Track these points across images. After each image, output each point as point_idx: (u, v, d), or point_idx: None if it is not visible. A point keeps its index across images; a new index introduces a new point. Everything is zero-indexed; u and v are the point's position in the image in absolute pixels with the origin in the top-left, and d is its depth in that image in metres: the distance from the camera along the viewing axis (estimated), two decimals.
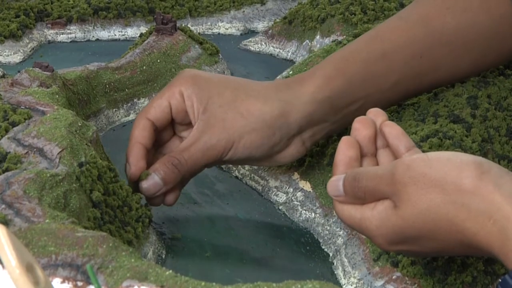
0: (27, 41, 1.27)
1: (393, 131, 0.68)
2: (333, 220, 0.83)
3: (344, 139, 0.68)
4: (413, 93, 0.88)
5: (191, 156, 0.78)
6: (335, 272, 0.78)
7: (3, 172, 0.70)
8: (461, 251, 0.62)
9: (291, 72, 1.06)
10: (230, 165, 0.96)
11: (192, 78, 0.80)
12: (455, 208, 0.58)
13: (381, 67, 0.83)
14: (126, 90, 1.06)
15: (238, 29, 1.39)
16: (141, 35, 1.18)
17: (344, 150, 0.68)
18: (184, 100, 0.80)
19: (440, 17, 0.85)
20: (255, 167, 0.93)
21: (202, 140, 0.78)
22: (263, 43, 1.31)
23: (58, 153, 0.72)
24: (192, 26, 1.35)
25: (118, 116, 1.05)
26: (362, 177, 0.64)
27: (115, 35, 1.33)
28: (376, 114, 0.70)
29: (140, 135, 0.79)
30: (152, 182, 0.78)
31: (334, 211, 0.83)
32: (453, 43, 0.85)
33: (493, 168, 0.59)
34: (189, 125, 0.81)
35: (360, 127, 0.69)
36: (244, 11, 1.42)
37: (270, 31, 1.32)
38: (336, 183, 0.66)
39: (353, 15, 1.21)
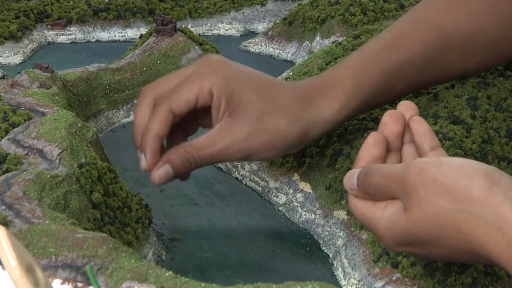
0: (27, 42, 1.27)
1: (420, 128, 0.68)
2: (333, 221, 0.83)
3: (373, 135, 0.68)
4: (415, 91, 0.89)
5: (207, 156, 0.77)
6: (335, 273, 0.78)
7: (3, 173, 0.70)
8: (468, 259, 0.62)
9: (291, 73, 1.06)
10: (230, 166, 0.96)
11: (226, 79, 0.77)
12: (464, 217, 0.58)
13: (396, 76, 0.83)
14: (126, 91, 1.06)
15: (238, 30, 1.39)
16: (141, 36, 1.18)
17: (370, 147, 0.68)
18: (212, 98, 0.77)
19: (452, 21, 0.85)
20: (255, 168, 0.93)
21: (223, 143, 0.77)
22: (263, 44, 1.31)
23: (58, 154, 0.72)
24: (192, 27, 1.35)
25: (118, 117, 1.05)
26: (374, 174, 0.64)
27: (115, 36, 1.33)
28: (407, 108, 0.69)
29: (161, 128, 0.76)
30: (164, 172, 0.76)
31: (334, 212, 0.83)
32: (463, 47, 0.85)
33: (504, 180, 0.58)
34: (205, 114, 0.80)
35: (389, 122, 0.69)
36: (244, 12, 1.42)
37: (270, 32, 1.32)
38: (351, 177, 0.66)
39: (353, 16, 1.21)
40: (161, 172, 0.76)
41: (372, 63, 0.83)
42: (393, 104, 0.87)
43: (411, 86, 0.86)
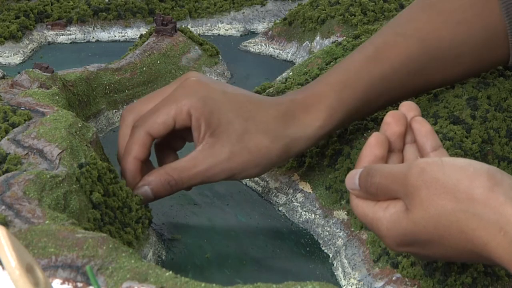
0: (27, 42, 1.27)
1: (422, 128, 0.68)
2: (333, 221, 0.83)
3: (375, 135, 0.68)
4: (400, 101, 0.89)
5: (190, 179, 0.78)
6: (335, 273, 0.78)
7: (3, 173, 0.70)
8: (470, 259, 0.62)
9: (291, 73, 1.06)
10: None
11: (204, 101, 0.77)
12: (466, 217, 0.58)
13: (379, 90, 0.83)
14: (126, 91, 1.06)
15: (238, 30, 1.39)
16: (141, 36, 1.18)
17: (372, 147, 0.68)
18: (191, 120, 0.77)
19: (435, 32, 0.84)
20: None
21: (205, 165, 0.77)
22: (263, 44, 1.31)
23: (58, 154, 0.72)
24: (192, 27, 1.35)
25: (118, 117, 1.05)
26: (376, 174, 0.64)
27: (115, 36, 1.33)
28: (409, 108, 0.69)
29: (140, 150, 0.77)
30: (142, 192, 0.77)
31: (334, 212, 0.83)
32: (446, 57, 0.85)
33: (505, 180, 0.58)
34: (189, 131, 0.80)
35: (392, 122, 0.69)
36: (244, 12, 1.42)
37: (270, 32, 1.32)
38: (353, 177, 0.66)
39: (353, 16, 1.21)
40: (139, 192, 0.77)
41: (355, 77, 0.83)
42: (393, 105, 0.87)
43: (395, 97, 0.85)
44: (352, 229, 0.80)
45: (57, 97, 0.87)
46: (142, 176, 0.78)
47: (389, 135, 0.68)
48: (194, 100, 0.77)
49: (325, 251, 0.82)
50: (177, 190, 0.78)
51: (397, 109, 0.70)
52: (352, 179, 0.66)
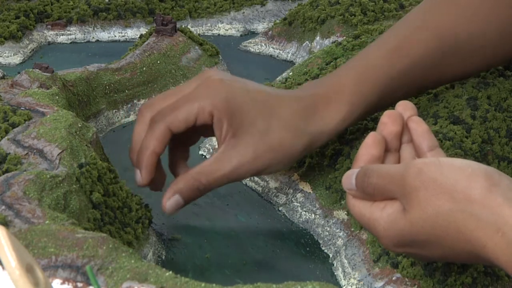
0: (27, 42, 1.27)
1: (419, 128, 0.68)
2: (333, 221, 0.83)
3: (371, 135, 0.68)
4: (415, 95, 0.89)
5: (216, 180, 0.77)
6: (335, 273, 0.78)
7: (3, 173, 0.70)
8: (467, 260, 0.62)
9: (291, 73, 1.06)
10: None
11: (226, 101, 0.77)
12: (464, 217, 0.58)
13: (398, 83, 0.83)
14: (126, 91, 1.06)
15: (238, 30, 1.39)
16: (141, 36, 1.18)
17: (368, 147, 0.68)
18: (212, 119, 0.77)
19: (452, 26, 0.85)
20: None
21: (230, 166, 0.77)
22: (263, 44, 1.31)
23: (58, 154, 0.72)
24: (192, 27, 1.35)
25: (118, 117, 1.05)
26: (373, 174, 0.64)
27: (115, 36, 1.33)
28: (405, 108, 0.69)
29: (158, 145, 0.76)
30: (174, 202, 0.77)
31: (334, 212, 0.83)
32: (462, 52, 0.85)
33: (503, 181, 0.58)
34: (205, 126, 0.80)
35: (388, 122, 0.69)
36: (244, 12, 1.42)
37: (270, 32, 1.32)
38: (350, 177, 0.66)
39: (353, 16, 1.21)
40: (171, 202, 0.77)
41: (375, 71, 0.83)
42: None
43: (411, 91, 0.86)
44: (352, 229, 0.80)
45: (57, 97, 0.87)
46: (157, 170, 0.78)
47: (386, 135, 0.68)
48: (217, 100, 0.77)
49: (325, 251, 0.82)
50: (206, 192, 0.78)
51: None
52: (349, 179, 0.66)
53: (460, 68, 0.87)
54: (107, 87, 1.04)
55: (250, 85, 0.80)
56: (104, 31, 1.33)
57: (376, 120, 0.89)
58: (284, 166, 0.81)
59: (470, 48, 0.86)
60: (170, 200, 0.77)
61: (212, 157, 0.78)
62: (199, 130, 0.80)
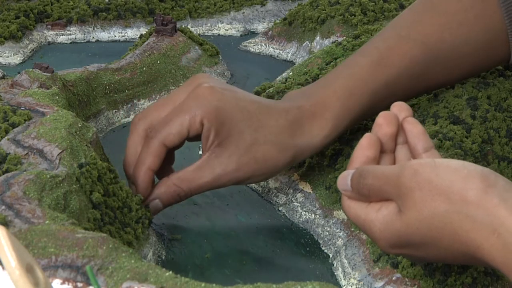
0: (27, 42, 1.27)
1: (414, 129, 0.68)
2: (333, 221, 0.83)
3: (367, 136, 0.68)
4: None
5: (197, 188, 0.79)
6: (335, 273, 0.78)
7: (3, 173, 0.70)
8: (463, 261, 0.62)
9: (291, 73, 1.06)
10: None
11: (216, 110, 0.78)
12: (460, 219, 0.58)
13: (383, 95, 0.84)
14: (126, 91, 1.06)
15: (238, 30, 1.39)
16: (141, 36, 1.18)
17: (364, 148, 0.68)
18: (202, 129, 0.78)
19: (437, 34, 0.85)
20: None
21: (212, 175, 0.78)
22: (263, 44, 1.31)
23: (58, 154, 0.72)
24: (192, 27, 1.35)
25: (118, 117, 1.05)
26: (368, 175, 0.64)
27: (115, 36, 1.33)
28: (400, 109, 0.69)
29: (154, 161, 0.78)
30: (153, 206, 0.79)
31: (334, 212, 0.83)
32: (448, 59, 0.85)
33: (499, 182, 0.58)
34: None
35: (383, 123, 0.69)
36: (244, 12, 1.42)
37: (270, 32, 1.32)
38: (345, 178, 0.66)
39: (353, 16, 1.21)
40: (151, 206, 0.79)
41: (360, 84, 0.83)
42: None
43: (397, 100, 0.86)
44: (352, 229, 0.80)
45: (57, 97, 0.87)
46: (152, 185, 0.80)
47: (381, 136, 0.68)
48: (206, 110, 0.78)
49: (325, 251, 0.82)
50: (185, 198, 0.80)
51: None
52: (344, 180, 0.66)
53: (446, 76, 0.87)
54: (107, 87, 1.04)
55: (241, 94, 0.81)
56: (104, 31, 1.33)
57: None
58: (266, 177, 0.83)
59: (455, 57, 0.85)
60: (150, 203, 0.79)
61: (195, 165, 0.79)
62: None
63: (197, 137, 0.80)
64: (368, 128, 0.88)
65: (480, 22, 0.85)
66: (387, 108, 0.85)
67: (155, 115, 0.80)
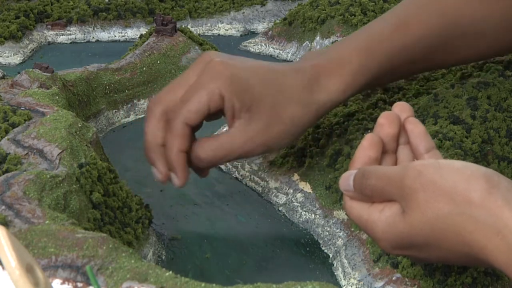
0: (27, 42, 1.27)
1: (416, 129, 0.68)
2: (333, 221, 0.83)
3: (368, 136, 0.68)
4: (421, 73, 0.92)
5: (231, 154, 0.78)
6: (335, 273, 0.78)
7: (3, 173, 0.70)
8: (467, 262, 0.61)
9: None
10: (230, 167, 0.96)
11: (232, 79, 0.77)
12: (463, 220, 0.58)
13: (400, 59, 0.85)
14: (126, 91, 1.06)
15: (238, 30, 1.39)
16: (141, 36, 1.18)
17: (366, 148, 0.67)
18: (223, 101, 0.77)
19: (456, 8, 0.86)
20: (255, 169, 0.93)
21: (242, 138, 0.78)
22: (263, 44, 1.31)
23: (58, 154, 0.72)
24: (192, 27, 1.35)
25: (118, 117, 1.05)
26: (371, 175, 0.64)
27: (115, 36, 1.33)
28: (402, 109, 0.69)
29: (182, 143, 0.76)
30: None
31: (334, 212, 0.83)
32: (466, 35, 0.87)
33: (502, 183, 0.58)
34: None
35: (385, 124, 0.69)
36: (244, 12, 1.42)
37: (270, 32, 1.32)
38: (347, 178, 0.66)
39: (353, 16, 1.21)
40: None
41: (377, 44, 0.84)
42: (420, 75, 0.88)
43: (415, 69, 0.88)
44: (352, 229, 0.80)
45: (57, 97, 0.87)
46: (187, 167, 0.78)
47: (383, 137, 0.68)
48: (222, 82, 0.77)
49: (325, 251, 0.82)
50: (219, 164, 0.81)
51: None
52: (346, 180, 0.66)
53: (464, 52, 0.88)
54: (107, 87, 1.04)
55: (250, 62, 0.81)
56: (104, 31, 1.33)
57: (376, 121, 0.89)
58: (293, 139, 0.82)
59: (474, 32, 0.86)
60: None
61: (226, 132, 0.78)
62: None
63: (216, 114, 0.79)
64: (368, 128, 0.88)
65: (497, 2, 0.86)
66: (410, 74, 0.86)
67: (171, 97, 0.78)
